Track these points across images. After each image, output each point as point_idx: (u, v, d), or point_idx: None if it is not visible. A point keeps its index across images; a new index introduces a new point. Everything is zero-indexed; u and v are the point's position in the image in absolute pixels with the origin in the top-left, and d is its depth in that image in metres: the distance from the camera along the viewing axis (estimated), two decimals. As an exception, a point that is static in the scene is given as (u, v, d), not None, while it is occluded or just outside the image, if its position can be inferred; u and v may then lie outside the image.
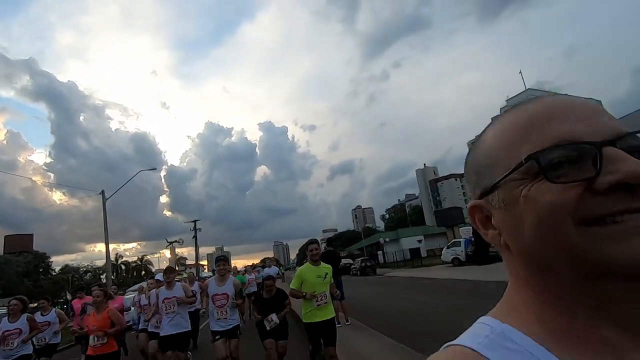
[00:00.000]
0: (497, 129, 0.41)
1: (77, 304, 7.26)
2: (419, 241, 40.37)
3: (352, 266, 31.24)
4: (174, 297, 4.99)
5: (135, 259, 70.29)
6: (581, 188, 0.34)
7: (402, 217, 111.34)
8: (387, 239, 42.69)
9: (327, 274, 4.17)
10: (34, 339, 5.72)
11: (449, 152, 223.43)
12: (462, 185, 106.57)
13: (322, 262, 4.32)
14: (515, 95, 72.23)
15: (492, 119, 0.46)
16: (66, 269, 70.50)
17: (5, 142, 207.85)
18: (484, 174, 0.42)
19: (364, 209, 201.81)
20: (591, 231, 0.33)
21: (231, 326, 4.75)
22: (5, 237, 69.49)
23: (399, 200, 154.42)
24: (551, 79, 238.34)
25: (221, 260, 5.01)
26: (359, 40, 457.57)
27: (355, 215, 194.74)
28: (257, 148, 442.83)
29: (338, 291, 4.24)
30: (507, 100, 74.10)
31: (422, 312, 8.95)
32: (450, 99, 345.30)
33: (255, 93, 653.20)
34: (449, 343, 0.41)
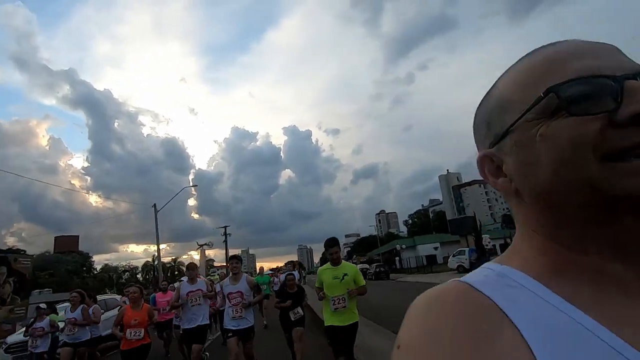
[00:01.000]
0: (510, 74, 0.41)
1: (160, 297, 7.94)
2: (435, 248, 41.91)
3: (368, 271, 33.50)
4: (198, 290, 5.08)
5: (169, 259, 75.40)
6: (603, 121, 0.32)
7: (426, 222, 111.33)
8: (404, 246, 44.50)
9: (345, 275, 3.81)
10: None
11: (475, 155, 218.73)
12: (485, 192, 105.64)
13: (344, 262, 4.03)
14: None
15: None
16: (106, 267, 76.72)
17: (48, 147, 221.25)
18: (495, 122, 0.41)
19: (387, 213, 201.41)
20: (613, 166, 0.32)
21: (245, 326, 4.65)
22: (55, 237, 76.69)
23: (422, 205, 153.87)
24: None
25: (233, 259, 5.10)
26: (383, 42, 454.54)
27: (379, 220, 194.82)
28: (281, 152, 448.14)
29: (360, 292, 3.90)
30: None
31: None
32: (477, 101, 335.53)
33: (280, 97, 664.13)
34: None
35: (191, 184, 36.41)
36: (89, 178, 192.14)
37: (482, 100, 0.45)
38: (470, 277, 0.40)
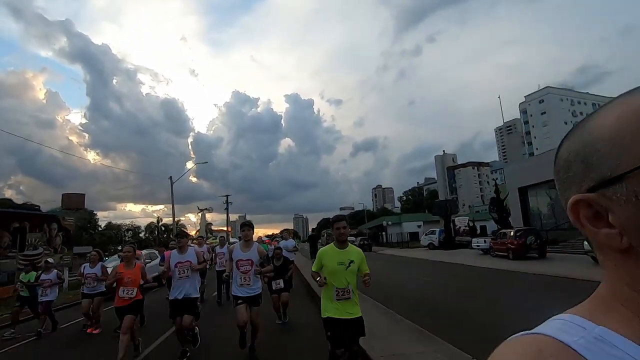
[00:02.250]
0: (623, 112, 0.35)
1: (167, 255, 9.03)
2: (419, 226, 45.46)
3: (354, 243, 37.17)
4: (187, 261, 4.85)
5: (167, 220, 79.48)
6: None
7: (420, 200, 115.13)
8: (390, 222, 48.30)
9: (351, 262, 3.25)
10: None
11: (477, 135, 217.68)
12: (478, 175, 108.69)
13: (351, 245, 3.41)
14: (535, 92, 72.80)
15: (591, 113, 0.39)
16: (109, 225, 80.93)
17: (45, 101, 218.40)
18: (601, 162, 0.35)
19: (384, 188, 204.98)
20: None
21: (254, 294, 4.64)
22: (63, 195, 79.95)
23: (418, 183, 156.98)
24: (600, 62, 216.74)
25: (246, 226, 4.92)
26: (394, 11, 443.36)
27: (375, 195, 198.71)
28: (282, 120, 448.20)
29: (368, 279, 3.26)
30: (525, 97, 74.90)
31: (394, 277, 12.97)
32: (485, 79, 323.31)
33: (283, 63, 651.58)
34: (528, 332, 0.37)
35: (202, 162, 38.85)
36: (87, 135, 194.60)
37: (573, 131, 0.40)
38: (562, 334, 0.35)
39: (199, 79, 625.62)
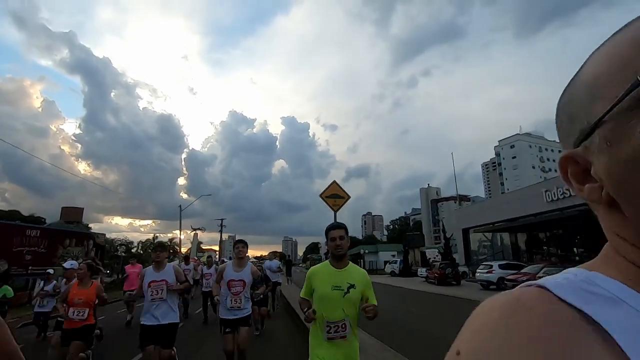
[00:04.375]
0: (597, 57, 0.34)
1: (129, 269, 8.95)
2: (393, 255, 50.51)
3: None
4: (163, 280, 4.14)
5: (150, 236, 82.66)
6: None
7: (406, 229, 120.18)
8: (367, 251, 53.39)
9: (352, 286, 2.27)
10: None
11: (468, 167, 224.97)
12: (460, 208, 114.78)
13: (352, 265, 2.43)
14: (506, 138, 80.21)
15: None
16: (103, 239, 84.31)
17: (40, 109, 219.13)
18: (580, 114, 0.34)
19: (373, 215, 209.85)
20: None
21: (243, 315, 4.26)
22: (62, 208, 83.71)
23: (405, 213, 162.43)
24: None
25: (240, 243, 4.43)
26: (391, 44, 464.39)
27: (365, 221, 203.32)
28: (277, 141, 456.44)
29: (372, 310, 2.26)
30: (499, 141, 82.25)
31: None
32: (477, 113, 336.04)
33: (281, 86, 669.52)
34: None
35: (207, 194, 43.53)
36: (79, 145, 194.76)
37: (565, 89, 0.37)
38: (548, 279, 0.34)
39: (198, 97, 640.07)
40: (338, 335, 2.23)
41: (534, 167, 72.62)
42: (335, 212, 6.74)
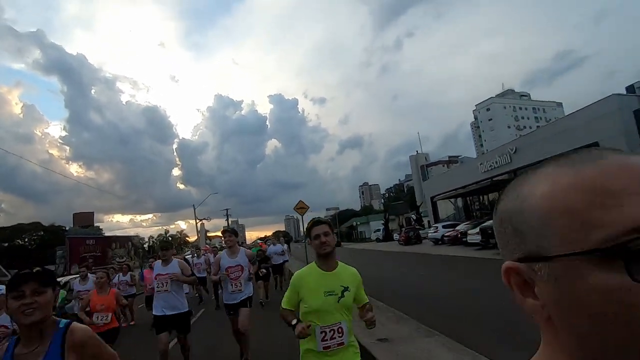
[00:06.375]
0: (552, 189, 0.35)
1: (147, 273, 8.84)
2: (383, 224, 56.75)
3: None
4: (167, 274, 4.48)
5: (156, 229, 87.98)
6: None
7: (401, 196, 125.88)
8: (359, 222, 59.69)
9: (346, 289, 2.05)
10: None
11: (461, 126, 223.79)
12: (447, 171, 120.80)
13: (342, 264, 2.17)
14: (482, 102, 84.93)
15: (528, 172, 0.40)
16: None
17: (21, 115, 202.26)
18: (529, 235, 0.36)
19: (370, 185, 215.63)
20: None
21: (244, 297, 4.63)
22: (74, 214, 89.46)
23: (399, 180, 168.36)
24: (576, 47, 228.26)
25: (227, 232, 4.88)
26: (372, 7, 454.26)
27: (362, 192, 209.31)
28: (267, 121, 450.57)
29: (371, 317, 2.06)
30: (476, 105, 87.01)
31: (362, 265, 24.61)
32: (466, 70, 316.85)
33: (265, 64, 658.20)
34: None
35: (213, 192, 48.13)
36: (68, 148, 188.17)
37: (511, 189, 0.40)
38: None
39: (180, 85, 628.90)
40: (335, 342, 1.92)
41: (509, 127, 77.87)
42: (302, 215, 12.14)
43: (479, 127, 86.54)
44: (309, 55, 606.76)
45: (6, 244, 50.92)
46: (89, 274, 7.38)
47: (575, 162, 0.36)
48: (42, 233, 61.62)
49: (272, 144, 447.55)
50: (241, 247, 4.91)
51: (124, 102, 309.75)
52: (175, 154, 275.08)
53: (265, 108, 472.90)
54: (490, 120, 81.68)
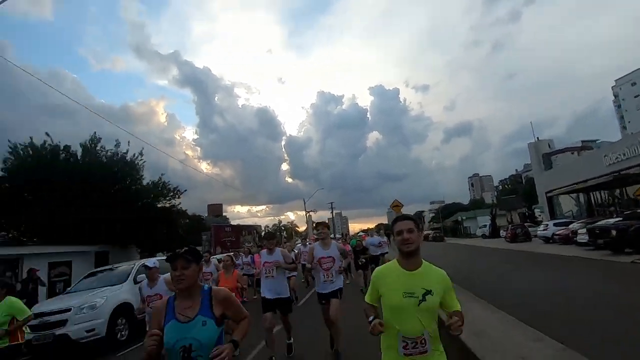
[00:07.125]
0: None
1: (257, 257, 9.70)
2: (490, 219, 53.15)
3: (429, 235, 47.59)
4: (272, 261, 4.97)
5: (269, 219, 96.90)
6: None
7: (519, 188, 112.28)
8: (464, 217, 56.81)
9: (428, 292, 1.83)
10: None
11: (601, 103, 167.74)
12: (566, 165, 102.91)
13: (426, 264, 1.94)
14: (625, 75, 70.19)
15: None
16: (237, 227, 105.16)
17: (166, 123, 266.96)
18: None
19: (481, 176, 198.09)
20: None
21: (336, 288, 4.86)
22: (208, 205, 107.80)
23: (516, 170, 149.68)
24: None
25: (321, 225, 5.14)
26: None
27: (472, 184, 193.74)
28: (368, 113, 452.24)
29: (458, 321, 1.74)
30: (616, 80, 72.47)
31: (462, 260, 19.09)
32: (604, 34, 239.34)
33: (364, 57, 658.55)
34: None
35: (321, 187, 53.12)
36: (199, 148, 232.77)
37: None
38: None
39: (286, 85, 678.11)
40: (417, 351, 1.80)
41: (665, 104, 63.02)
42: (397, 213, 13.86)
43: (620, 105, 72.00)
44: (409, 42, 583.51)
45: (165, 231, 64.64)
46: (211, 258, 8.03)
47: None
48: (187, 220, 76.02)
49: (374, 136, 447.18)
50: (333, 241, 5.09)
51: (240, 106, 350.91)
52: (283, 150, 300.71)
53: (365, 101, 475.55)
54: (636, 97, 67.22)
